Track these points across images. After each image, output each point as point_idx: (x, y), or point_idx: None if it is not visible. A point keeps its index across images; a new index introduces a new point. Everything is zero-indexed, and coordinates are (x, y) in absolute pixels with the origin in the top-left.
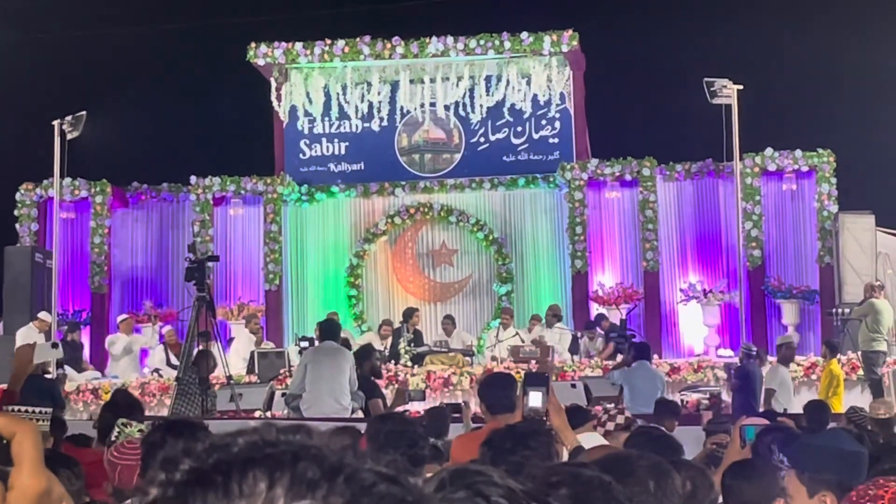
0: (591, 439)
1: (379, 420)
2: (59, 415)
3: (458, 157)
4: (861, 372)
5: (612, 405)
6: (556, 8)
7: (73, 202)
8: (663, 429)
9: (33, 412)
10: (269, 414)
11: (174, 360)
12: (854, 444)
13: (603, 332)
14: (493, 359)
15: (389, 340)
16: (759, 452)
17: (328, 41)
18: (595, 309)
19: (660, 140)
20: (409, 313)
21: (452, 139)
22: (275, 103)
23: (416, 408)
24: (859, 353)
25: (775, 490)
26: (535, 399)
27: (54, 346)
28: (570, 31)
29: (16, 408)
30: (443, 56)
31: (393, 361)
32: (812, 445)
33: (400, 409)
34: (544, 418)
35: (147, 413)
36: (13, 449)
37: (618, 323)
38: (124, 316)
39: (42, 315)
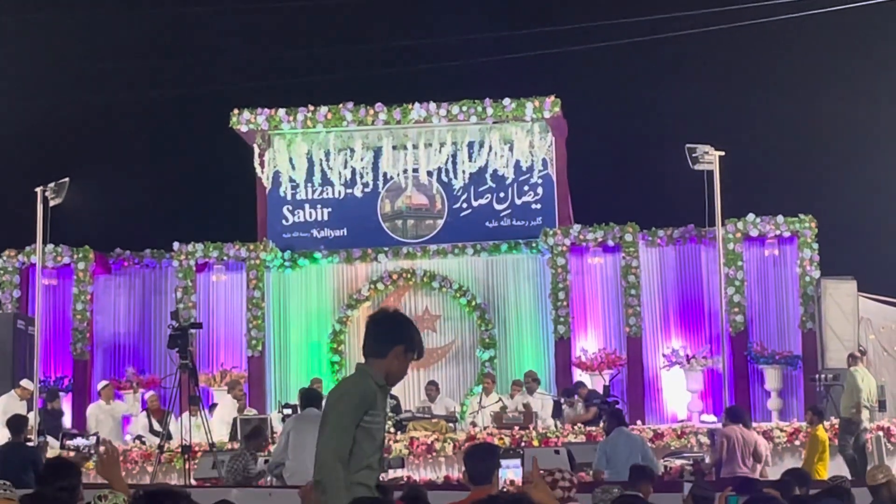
0: None
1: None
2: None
3: (440, 222)
4: None
5: (557, 470)
6: (538, 74)
7: (56, 269)
8: (640, 495)
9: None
10: None
11: (157, 427)
12: None
13: (581, 399)
14: (474, 425)
15: None
16: None
17: (311, 108)
18: (577, 375)
19: (642, 206)
20: None
21: (435, 205)
22: (258, 169)
23: (399, 473)
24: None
25: None
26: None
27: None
28: (552, 98)
29: None
30: (425, 122)
31: None
32: None
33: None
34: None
35: (130, 482)
36: None
37: (600, 389)
38: (105, 382)
39: (24, 383)
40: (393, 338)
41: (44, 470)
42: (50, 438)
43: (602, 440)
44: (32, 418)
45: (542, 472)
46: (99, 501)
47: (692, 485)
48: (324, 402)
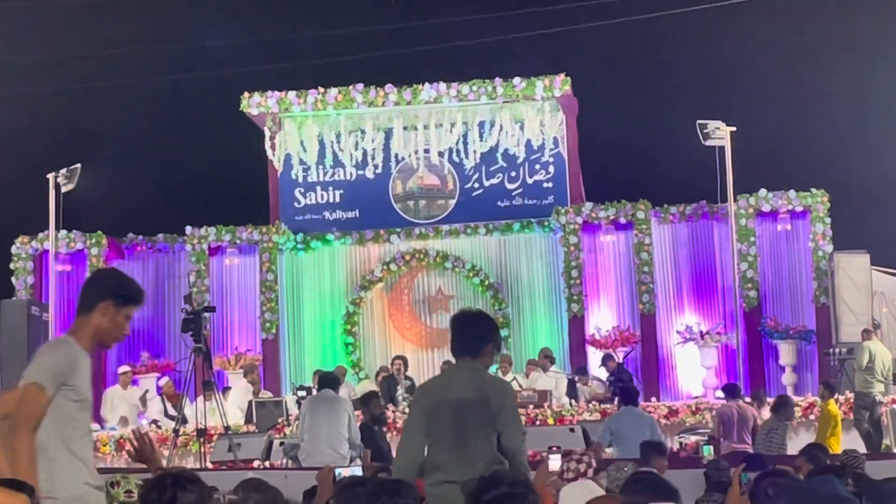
0: (584, 489)
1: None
2: None
3: (452, 202)
4: None
5: (578, 451)
6: (548, 53)
7: (69, 255)
8: (655, 471)
9: None
10: (267, 464)
11: (171, 411)
12: (845, 490)
13: (608, 373)
14: None
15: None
16: (757, 497)
17: (321, 90)
18: (591, 353)
19: (654, 182)
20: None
21: (447, 185)
22: (269, 152)
23: None
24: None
25: None
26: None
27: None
28: (563, 76)
29: None
30: (436, 102)
31: (391, 406)
32: (809, 491)
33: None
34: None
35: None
36: None
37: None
38: (125, 368)
39: None
40: (489, 337)
41: None
42: None
43: (609, 416)
44: None
45: (565, 452)
46: (112, 488)
47: (708, 462)
48: (492, 398)
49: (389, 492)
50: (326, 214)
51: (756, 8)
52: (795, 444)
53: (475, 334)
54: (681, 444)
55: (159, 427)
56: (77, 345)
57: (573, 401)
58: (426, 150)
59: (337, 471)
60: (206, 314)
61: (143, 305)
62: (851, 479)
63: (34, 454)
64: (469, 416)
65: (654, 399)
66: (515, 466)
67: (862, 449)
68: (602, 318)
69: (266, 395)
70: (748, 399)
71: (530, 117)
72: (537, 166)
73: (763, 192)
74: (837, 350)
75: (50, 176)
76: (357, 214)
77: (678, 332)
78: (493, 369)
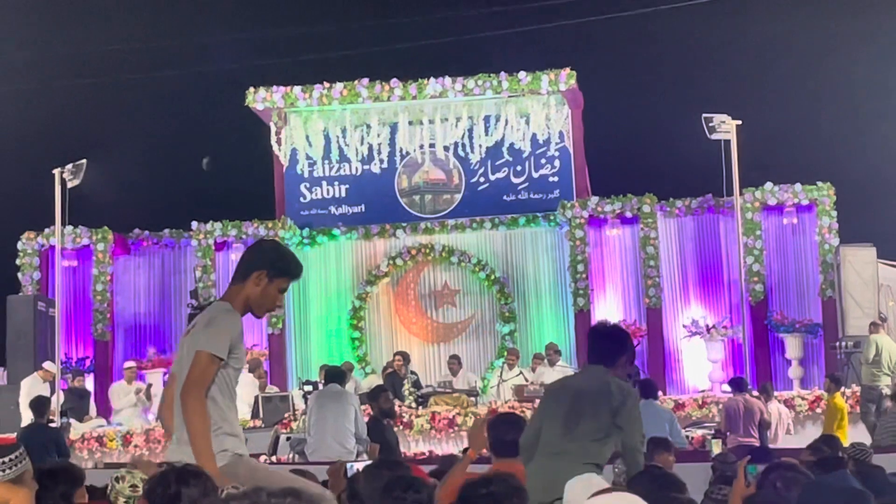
0: (589, 482)
1: (376, 467)
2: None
3: (458, 197)
4: None
5: None
6: (554, 47)
7: (75, 250)
8: (660, 466)
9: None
10: (274, 458)
11: None
12: (859, 484)
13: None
14: (494, 400)
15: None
16: (765, 490)
17: (326, 84)
18: None
19: (659, 176)
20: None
21: (452, 180)
22: (275, 147)
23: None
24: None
25: None
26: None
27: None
28: (568, 70)
29: None
30: (441, 97)
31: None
32: (824, 485)
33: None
34: None
35: (154, 462)
36: None
37: None
38: (131, 363)
39: (47, 365)
40: (623, 349)
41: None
42: (73, 420)
43: None
44: (55, 400)
45: None
46: (117, 483)
47: (715, 455)
48: (611, 397)
49: (403, 485)
50: (332, 209)
51: (761, 1)
52: (801, 437)
53: (611, 346)
54: (687, 437)
55: None
56: (237, 311)
57: None
58: (432, 145)
59: (348, 465)
60: None
61: (298, 280)
62: (853, 465)
63: (207, 418)
64: (584, 404)
65: (660, 393)
66: (630, 464)
67: (869, 442)
68: (608, 312)
69: (272, 389)
70: (755, 393)
71: (536, 111)
72: (543, 160)
73: (769, 185)
74: (844, 343)
75: (56, 171)
76: (363, 209)
77: (684, 326)
78: (498, 363)
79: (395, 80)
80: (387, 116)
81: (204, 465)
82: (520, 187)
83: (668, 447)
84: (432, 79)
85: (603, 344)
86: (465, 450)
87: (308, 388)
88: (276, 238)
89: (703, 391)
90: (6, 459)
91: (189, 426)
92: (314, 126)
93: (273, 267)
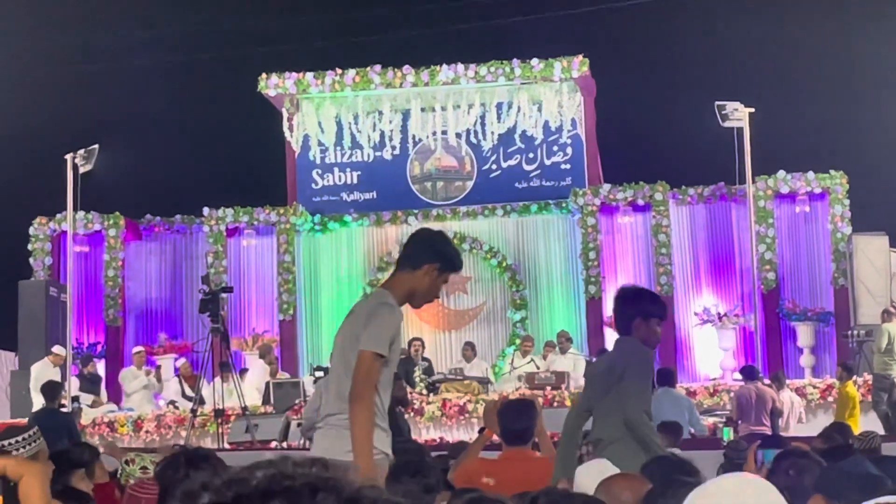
0: (601, 467)
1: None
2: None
3: (470, 184)
4: None
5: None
6: (566, 34)
7: (87, 235)
8: (677, 451)
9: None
10: (285, 444)
11: (189, 392)
12: (875, 469)
13: None
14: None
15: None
16: (777, 477)
17: (339, 71)
18: (609, 334)
19: (672, 164)
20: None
21: (464, 167)
22: (287, 133)
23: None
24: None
25: None
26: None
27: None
28: (580, 57)
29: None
30: (453, 84)
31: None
32: (841, 471)
33: None
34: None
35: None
36: (21, 490)
37: None
38: (139, 348)
39: (56, 349)
40: (632, 311)
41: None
42: (84, 406)
43: None
44: (66, 385)
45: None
46: (127, 466)
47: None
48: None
49: (411, 470)
50: (344, 196)
51: None
52: (813, 425)
53: (621, 309)
54: None
55: (177, 408)
56: (396, 304)
57: None
58: (444, 132)
59: None
60: (224, 295)
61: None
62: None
63: (372, 424)
64: (597, 385)
65: None
66: (639, 442)
67: (881, 431)
68: None
69: (283, 376)
70: (767, 381)
71: (548, 98)
72: (555, 148)
73: (781, 173)
74: (856, 332)
75: (68, 157)
76: (374, 196)
77: (696, 314)
78: (509, 350)
79: (407, 66)
80: (399, 103)
81: (360, 463)
82: (532, 174)
83: (675, 432)
84: (444, 65)
85: (615, 311)
86: (482, 429)
87: (319, 374)
88: (289, 222)
89: (714, 379)
90: (20, 438)
91: (353, 427)
92: (326, 112)
93: (445, 260)
